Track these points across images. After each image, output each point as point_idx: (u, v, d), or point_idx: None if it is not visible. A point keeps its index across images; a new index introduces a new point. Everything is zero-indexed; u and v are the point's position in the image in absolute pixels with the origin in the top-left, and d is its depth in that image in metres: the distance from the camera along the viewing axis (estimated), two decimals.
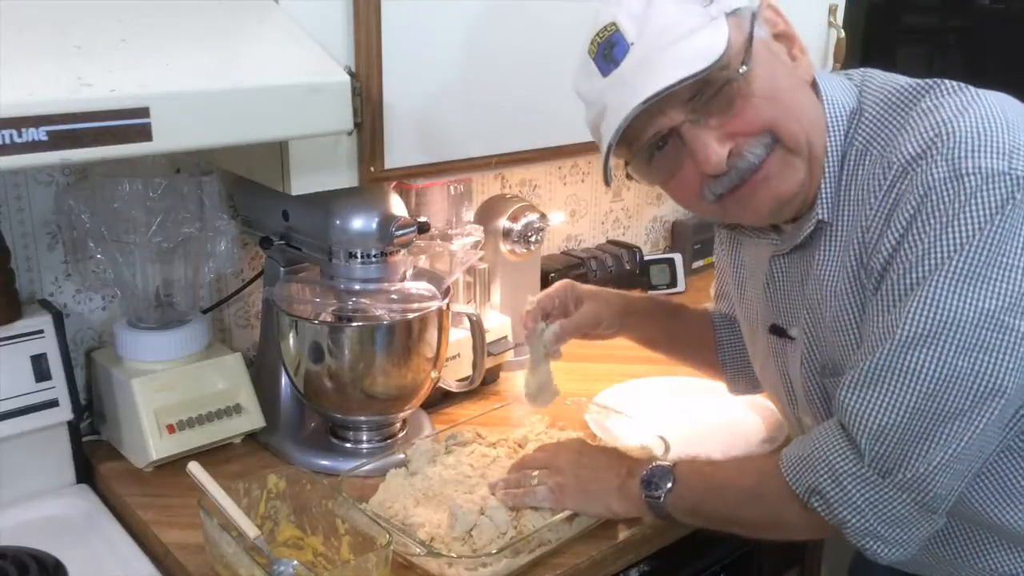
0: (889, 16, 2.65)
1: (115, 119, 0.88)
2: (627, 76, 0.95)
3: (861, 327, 0.99)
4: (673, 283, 2.10)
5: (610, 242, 2.10)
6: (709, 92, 0.94)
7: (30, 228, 1.34)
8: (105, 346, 1.42)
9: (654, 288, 2.08)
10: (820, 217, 1.01)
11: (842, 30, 1.73)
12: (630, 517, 1.17)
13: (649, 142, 0.98)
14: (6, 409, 1.23)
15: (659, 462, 1.13)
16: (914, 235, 0.90)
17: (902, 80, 1.01)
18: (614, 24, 0.95)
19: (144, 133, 0.90)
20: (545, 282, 1.80)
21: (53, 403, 1.27)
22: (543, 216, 1.65)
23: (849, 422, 0.95)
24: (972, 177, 0.87)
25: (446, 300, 1.35)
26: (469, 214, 1.62)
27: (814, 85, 1.02)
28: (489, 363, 1.52)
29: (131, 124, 0.89)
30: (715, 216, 1.11)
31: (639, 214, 2.20)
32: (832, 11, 1.73)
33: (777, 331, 1.13)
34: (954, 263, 0.87)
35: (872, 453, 0.93)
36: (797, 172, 0.99)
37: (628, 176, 1.06)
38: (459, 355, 1.50)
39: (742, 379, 1.38)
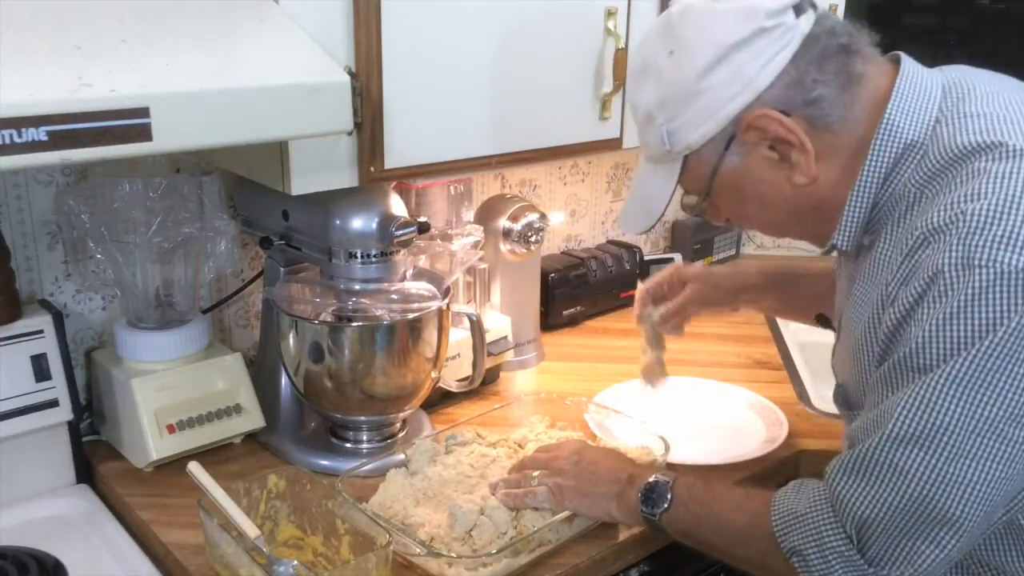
0: (889, 16, 2.65)
1: (115, 119, 0.88)
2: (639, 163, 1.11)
3: (865, 373, 0.97)
4: None
5: (610, 242, 2.10)
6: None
7: (30, 228, 1.34)
8: (105, 346, 1.42)
9: None
10: (835, 243, 1.01)
11: None
12: (627, 524, 1.17)
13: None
14: (6, 409, 1.23)
15: (659, 476, 1.11)
16: (918, 319, 0.85)
17: (977, 123, 0.91)
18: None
19: (144, 133, 0.90)
20: (545, 282, 1.81)
21: (53, 403, 1.27)
22: (543, 216, 1.65)
23: (836, 505, 0.93)
24: (984, 271, 0.81)
25: (446, 300, 1.35)
26: (469, 214, 1.62)
27: (882, 97, 0.96)
28: (489, 363, 1.52)
29: (131, 124, 0.89)
30: None
31: None
32: (832, 11, 1.73)
33: (823, 321, 1.20)
34: (957, 364, 0.82)
35: (858, 541, 0.91)
36: (781, 236, 1.06)
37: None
38: (459, 355, 1.50)
39: None
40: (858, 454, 0.91)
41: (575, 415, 1.44)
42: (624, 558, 1.20)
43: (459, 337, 1.48)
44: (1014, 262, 0.80)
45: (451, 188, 1.56)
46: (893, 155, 0.95)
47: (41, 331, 1.27)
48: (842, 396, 1.07)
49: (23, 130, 0.83)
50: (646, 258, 2.06)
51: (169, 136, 0.92)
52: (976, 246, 0.82)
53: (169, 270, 1.35)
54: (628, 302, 1.98)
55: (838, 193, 0.98)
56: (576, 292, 1.88)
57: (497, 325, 1.59)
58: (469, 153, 1.29)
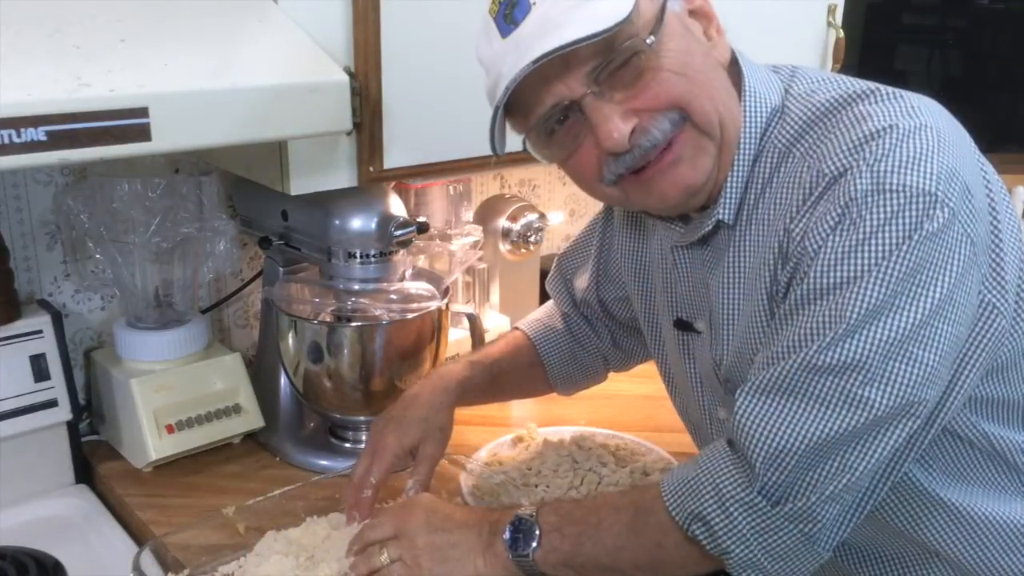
0: (889, 16, 2.65)
1: (114, 119, 0.88)
2: (525, 37, 0.87)
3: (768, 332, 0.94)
4: None
5: None
6: (614, 63, 0.87)
7: (29, 228, 1.34)
8: (104, 346, 1.42)
9: None
10: (720, 217, 0.96)
11: (841, 30, 1.73)
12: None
13: (548, 114, 0.91)
14: (5, 409, 1.23)
15: (521, 512, 0.97)
16: (832, 246, 0.84)
17: (834, 83, 0.95)
18: None
19: (143, 133, 0.90)
20: (544, 282, 1.80)
21: (52, 403, 1.27)
22: (542, 216, 1.65)
23: (743, 437, 0.88)
24: (895, 194, 0.83)
25: (445, 300, 1.35)
26: (468, 214, 1.62)
27: (735, 72, 0.97)
28: None
29: (130, 124, 0.89)
30: (617, 203, 1.06)
31: None
32: (831, 11, 1.73)
33: (682, 325, 1.07)
34: (868, 287, 0.82)
35: (764, 479, 0.86)
36: (707, 157, 0.93)
37: (524, 151, 0.97)
38: (458, 355, 1.50)
39: (573, 388, 1.34)
40: (772, 376, 0.87)
41: (451, 476, 1.26)
42: None
43: (458, 337, 1.48)
44: (919, 184, 0.82)
45: (450, 188, 1.56)
46: (763, 119, 0.95)
47: (40, 331, 1.27)
48: (730, 391, 1.00)
49: (22, 130, 0.83)
50: None
51: (168, 136, 0.92)
52: (884, 172, 0.83)
53: (168, 270, 1.35)
54: None
55: (734, 110, 0.95)
56: None
57: (496, 325, 1.59)
58: (468, 153, 1.29)
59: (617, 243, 1.21)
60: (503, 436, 1.40)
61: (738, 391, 0.90)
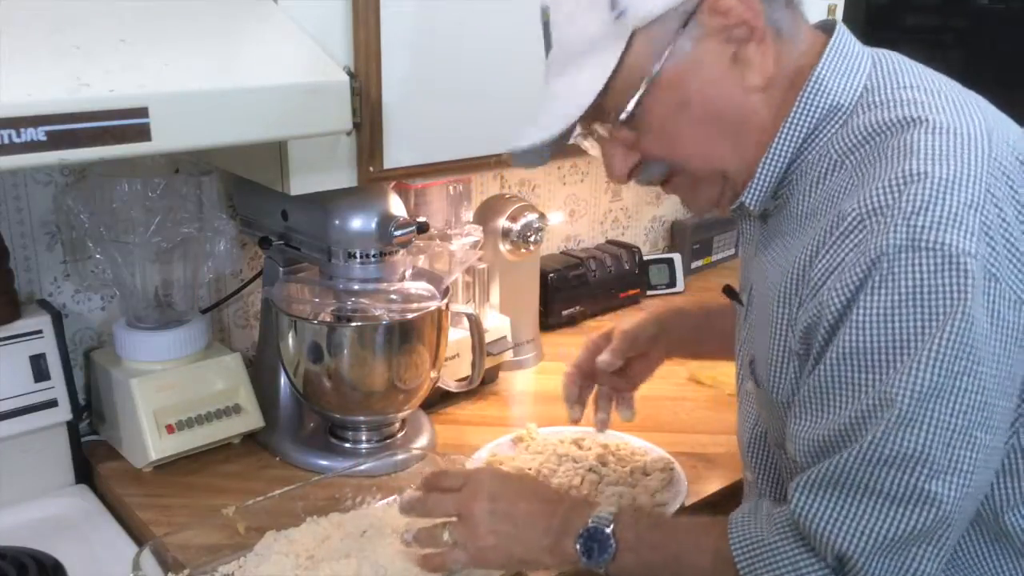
0: (889, 16, 2.65)
1: (114, 119, 0.88)
2: (543, 94, 0.94)
3: (782, 349, 0.91)
4: (672, 283, 2.10)
5: (609, 242, 2.10)
6: (607, 125, 0.92)
7: (29, 228, 1.34)
8: (104, 346, 1.42)
9: (653, 288, 2.08)
10: (743, 202, 0.93)
11: None
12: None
13: (575, 136, 0.96)
14: (5, 409, 1.23)
15: (596, 520, 0.96)
16: (862, 306, 0.79)
17: (906, 94, 0.87)
18: (546, 9, 0.93)
19: (143, 133, 0.90)
20: (544, 282, 1.81)
21: (52, 403, 1.27)
22: (542, 216, 1.65)
23: (809, 532, 0.85)
24: (931, 253, 0.76)
25: (445, 300, 1.35)
26: (468, 214, 1.62)
27: (810, 60, 0.90)
28: (488, 363, 1.52)
29: (130, 124, 0.89)
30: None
31: (638, 214, 2.20)
32: (831, 11, 1.73)
33: (731, 292, 1.08)
34: (918, 367, 0.76)
35: (840, 572, 0.83)
36: (708, 191, 0.94)
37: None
38: (458, 355, 1.50)
39: None
40: (830, 473, 0.83)
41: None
42: None
43: (458, 337, 1.48)
44: (960, 244, 0.75)
45: (450, 188, 1.56)
46: (818, 115, 0.89)
47: (40, 331, 1.27)
48: (752, 371, 0.99)
49: (22, 130, 0.83)
50: (645, 258, 2.06)
51: (168, 136, 0.92)
52: (921, 227, 0.76)
53: (168, 270, 1.35)
54: (627, 302, 2.00)
55: (776, 124, 0.90)
56: (575, 292, 1.88)
57: (496, 325, 1.59)
58: (468, 153, 1.29)
59: None
60: (503, 436, 1.40)
61: (793, 483, 0.87)
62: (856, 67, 0.91)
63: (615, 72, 0.86)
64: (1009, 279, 0.78)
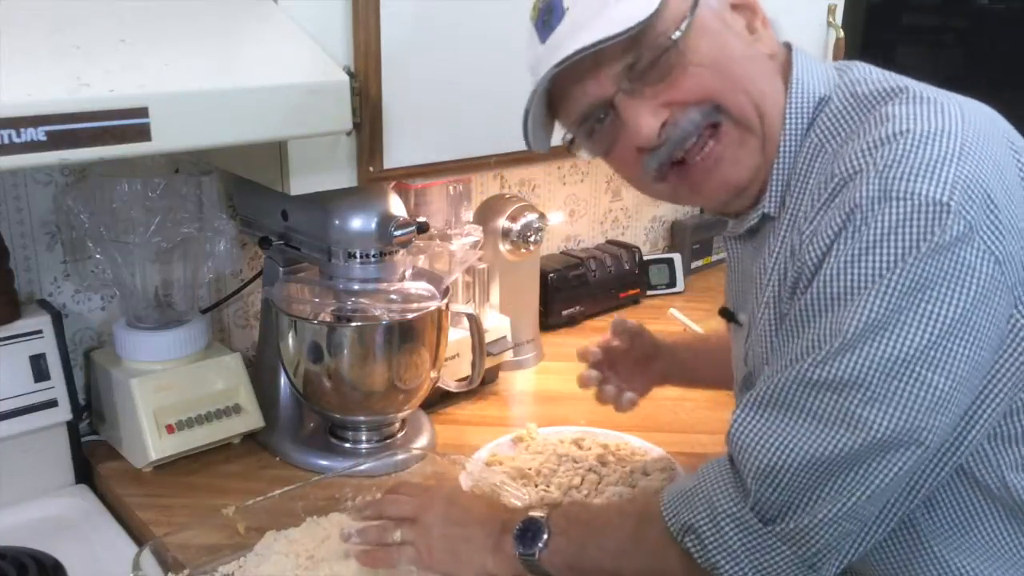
0: (889, 16, 2.65)
1: (114, 119, 0.88)
2: (560, 40, 0.89)
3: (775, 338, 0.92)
4: (672, 283, 2.10)
5: (609, 242, 2.10)
6: (644, 61, 0.88)
7: (29, 228, 1.34)
8: (104, 346, 1.42)
9: (653, 288, 2.08)
10: (766, 211, 0.95)
11: (841, 30, 1.73)
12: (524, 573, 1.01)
13: (586, 114, 0.94)
14: (5, 409, 1.23)
15: (533, 513, 0.99)
16: (835, 254, 0.82)
17: (882, 79, 0.92)
18: None
19: (143, 133, 0.90)
20: (544, 282, 1.81)
21: (52, 403, 1.27)
22: (542, 216, 1.65)
23: (737, 451, 0.87)
24: (901, 202, 0.78)
25: (445, 300, 1.35)
26: (468, 214, 1.62)
27: (785, 65, 0.96)
28: (488, 363, 1.52)
29: (130, 124, 0.89)
30: (668, 199, 1.04)
31: (638, 214, 2.20)
32: (831, 11, 1.73)
33: (727, 315, 1.08)
34: (868, 301, 0.79)
35: (756, 495, 0.84)
36: (750, 152, 0.93)
37: (570, 150, 1.00)
38: (458, 355, 1.50)
39: None
40: (768, 392, 0.85)
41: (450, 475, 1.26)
42: None
43: (458, 337, 1.48)
44: (930, 192, 0.78)
45: (450, 188, 1.56)
46: (809, 112, 0.93)
47: (40, 331, 1.27)
48: (748, 386, 0.99)
49: (22, 130, 0.83)
50: (645, 258, 2.06)
51: (168, 136, 0.92)
52: (893, 178, 0.79)
53: (168, 270, 1.35)
54: (627, 302, 2.00)
55: (781, 101, 0.94)
56: (575, 292, 1.88)
57: (496, 325, 1.59)
58: (468, 153, 1.29)
59: None
60: (503, 436, 1.40)
61: (733, 412, 0.89)
62: (821, 67, 0.96)
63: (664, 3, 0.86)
64: (984, 232, 0.79)
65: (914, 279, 0.78)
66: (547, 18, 0.92)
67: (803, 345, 0.84)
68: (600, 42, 0.86)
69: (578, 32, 0.88)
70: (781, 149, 0.93)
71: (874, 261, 0.79)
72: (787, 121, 0.93)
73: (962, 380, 0.80)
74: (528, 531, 0.97)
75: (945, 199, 0.78)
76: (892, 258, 0.79)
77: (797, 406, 0.83)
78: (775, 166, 0.94)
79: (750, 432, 0.86)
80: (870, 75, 0.94)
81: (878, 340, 0.79)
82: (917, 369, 0.79)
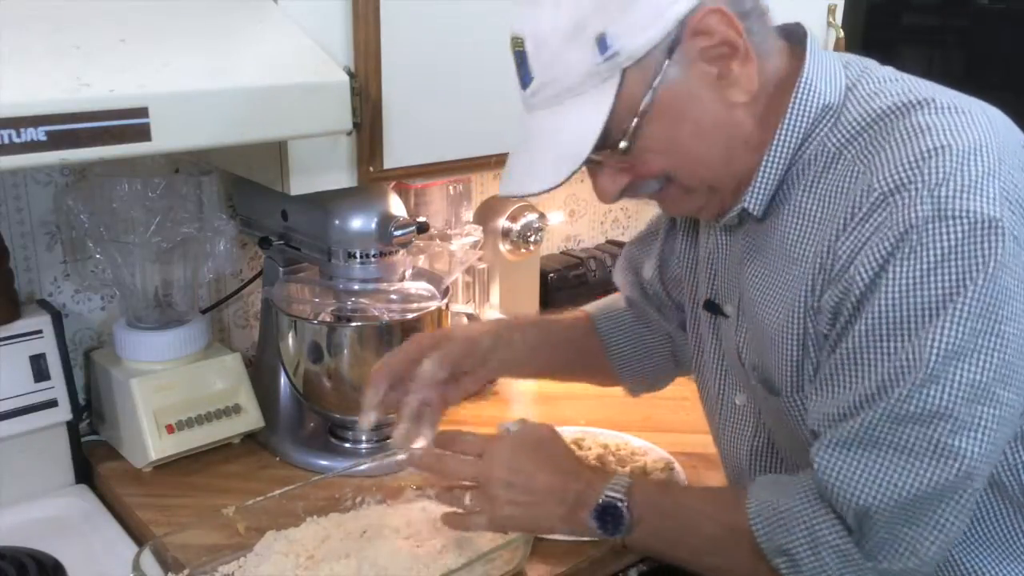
0: (889, 16, 2.65)
1: (114, 119, 0.88)
2: (525, 123, 0.94)
3: (803, 345, 0.92)
4: None
5: (609, 242, 2.10)
6: (601, 156, 0.92)
7: (29, 228, 1.34)
8: (104, 346, 1.42)
9: None
10: (745, 206, 0.94)
11: (841, 30, 1.73)
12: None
13: None
14: (5, 409, 1.23)
15: (610, 493, 0.97)
16: (891, 278, 0.81)
17: (899, 83, 0.91)
18: (521, 40, 0.90)
19: (143, 133, 0.90)
20: (544, 282, 1.81)
21: (52, 403, 1.27)
22: (542, 216, 1.65)
23: (831, 495, 0.87)
24: (958, 221, 0.79)
25: (445, 300, 1.35)
26: (468, 214, 1.62)
27: (787, 70, 0.93)
28: None
29: (130, 124, 0.89)
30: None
31: (638, 214, 2.20)
32: (831, 11, 1.73)
33: (712, 307, 1.07)
34: (945, 328, 0.79)
35: (859, 532, 0.85)
36: (696, 200, 0.97)
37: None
38: None
39: (639, 379, 1.29)
40: (855, 431, 0.84)
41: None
42: (624, 558, 1.20)
43: None
44: (983, 209, 0.79)
45: (450, 188, 1.56)
46: (811, 116, 0.91)
47: (40, 331, 1.27)
48: (760, 379, 1.00)
49: (22, 130, 0.83)
50: None
51: (168, 136, 0.92)
52: (945, 197, 0.79)
53: (168, 270, 1.35)
54: None
55: (764, 132, 0.92)
56: (575, 292, 1.88)
57: None
58: (468, 153, 1.29)
59: (679, 221, 1.19)
60: None
61: (815, 445, 0.88)
62: (834, 69, 0.94)
63: (611, 110, 0.87)
64: None
65: (986, 300, 0.79)
66: (519, 65, 0.92)
67: (881, 376, 0.83)
68: (544, 191, 0.91)
69: (529, 147, 0.93)
70: (773, 151, 0.92)
71: (940, 283, 0.79)
72: (785, 123, 0.92)
73: (1021, 390, 0.82)
74: (607, 515, 0.97)
75: (996, 214, 0.79)
76: (958, 280, 0.79)
77: (886, 442, 0.83)
78: (763, 167, 0.93)
79: (842, 473, 0.85)
80: (888, 80, 0.92)
81: (961, 367, 0.80)
82: (994, 390, 0.80)
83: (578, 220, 2.07)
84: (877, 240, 0.82)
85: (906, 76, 0.94)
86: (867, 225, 0.83)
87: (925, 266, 0.80)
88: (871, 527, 0.84)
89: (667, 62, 0.87)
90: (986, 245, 0.79)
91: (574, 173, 0.90)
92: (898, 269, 0.81)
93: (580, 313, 1.30)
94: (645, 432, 1.40)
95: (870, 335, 0.83)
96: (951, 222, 0.79)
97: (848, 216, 0.85)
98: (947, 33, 2.69)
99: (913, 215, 0.80)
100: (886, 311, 0.81)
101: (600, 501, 0.97)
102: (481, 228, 1.52)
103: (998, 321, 0.79)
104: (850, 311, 0.85)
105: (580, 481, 1.01)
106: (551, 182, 0.90)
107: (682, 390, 1.57)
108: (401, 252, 1.31)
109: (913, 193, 0.81)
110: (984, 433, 0.80)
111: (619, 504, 0.97)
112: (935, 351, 0.79)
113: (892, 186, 0.82)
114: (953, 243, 0.79)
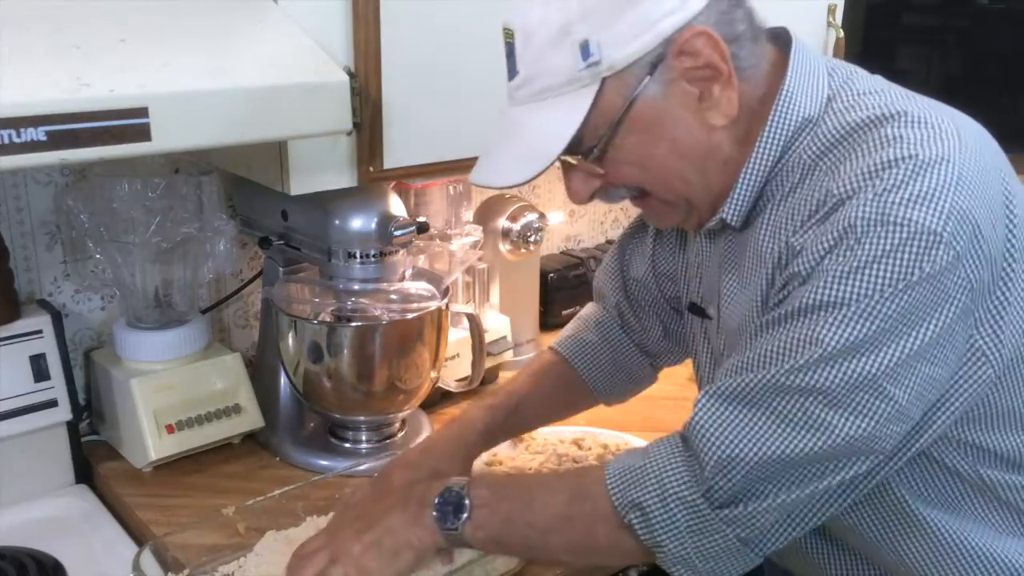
0: (889, 16, 2.65)
1: (114, 119, 0.88)
2: (507, 115, 0.95)
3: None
4: None
5: (609, 242, 2.10)
6: (576, 158, 0.94)
7: (29, 228, 1.34)
8: (104, 346, 1.42)
9: None
10: (723, 216, 0.96)
11: (841, 30, 1.73)
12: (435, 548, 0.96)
13: None
14: (5, 409, 1.23)
15: (450, 483, 0.95)
16: (823, 269, 0.83)
17: (878, 96, 0.91)
18: (511, 32, 0.91)
19: (143, 133, 0.90)
20: (544, 282, 1.81)
21: (52, 403, 1.27)
22: (542, 216, 1.65)
23: (698, 438, 0.87)
24: (898, 228, 0.80)
25: (445, 300, 1.35)
26: (468, 214, 1.62)
27: (772, 76, 0.93)
28: (488, 363, 1.52)
29: (130, 124, 0.89)
30: None
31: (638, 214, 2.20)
32: (831, 11, 1.73)
33: (696, 309, 1.09)
34: (854, 321, 0.81)
35: (711, 482, 0.86)
36: (677, 213, 0.98)
37: None
38: (458, 355, 1.50)
39: (613, 390, 1.28)
40: (737, 387, 0.86)
41: None
42: None
43: (458, 337, 1.48)
44: (927, 222, 0.79)
45: (450, 188, 1.56)
46: (791, 128, 0.92)
47: (40, 331, 1.27)
48: None
49: (22, 130, 0.83)
50: None
51: (168, 136, 0.92)
52: (891, 203, 0.81)
53: (168, 270, 1.35)
54: None
55: (743, 150, 0.93)
56: (575, 292, 1.88)
57: (496, 325, 1.59)
58: (468, 153, 1.29)
59: (657, 243, 1.20)
60: None
61: (702, 391, 0.90)
62: (818, 79, 0.94)
63: (586, 116, 0.88)
64: (967, 262, 0.81)
65: (902, 308, 0.80)
66: (508, 55, 0.93)
67: (778, 346, 0.85)
68: (513, 185, 0.94)
69: (508, 142, 0.94)
70: (751, 166, 0.93)
71: (863, 281, 0.81)
72: (765, 136, 0.92)
73: (920, 396, 0.84)
74: (448, 504, 0.94)
75: (939, 229, 0.80)
76: (882, 282, 0.80)
77: (764, 405, 0.85)
78: (741, 182, 0.94)
79: (714, 423, 0.87)
80: (868, 94, 0.92)
81: (857, 359, 0.81)
82: (883, 384, 0.81)
83: (578, 220, 2.07)
84: (822, 236, 0.84)
85: (888, 87, 0.94)
86: (821, 226, 0.85)
87: (855, 264, 0.81)
88: (727, 477, 0.85)
89: (648, 78, 0.88)
90: (918, 256, 0.80)
91: (540, 173, 0.91)
92: (830, 262, 0.83)
93: (550, 360, 1.27)
94: (645, 432, 1.40)
95: (788, 314, 0.85)
96: (891, 227, 0.80)
97: (807, 216, 0.88)
98: (947, 33, 2.69)
99: (856, 215, 0.82)
100: (809, 296, 0.83)
101: (440, 492, 0.95)
102: (481, 228, 1.52)
103: (906, 326, 0.81)
104: (784, 297, 0.88)
105: (420, 485, 0.99)
106: (516, 179, 0.93)
107: (682, 390, 1.58)
108: (401, 252, 1.31)
109: (863, 197, 0.82)
110: (862, 418, 0.82)
111: (458, 490, 0.94)
112: (835, 339, 0.81)
113: (847, 191, 0.84)
114: (887, 248, 0.80)
